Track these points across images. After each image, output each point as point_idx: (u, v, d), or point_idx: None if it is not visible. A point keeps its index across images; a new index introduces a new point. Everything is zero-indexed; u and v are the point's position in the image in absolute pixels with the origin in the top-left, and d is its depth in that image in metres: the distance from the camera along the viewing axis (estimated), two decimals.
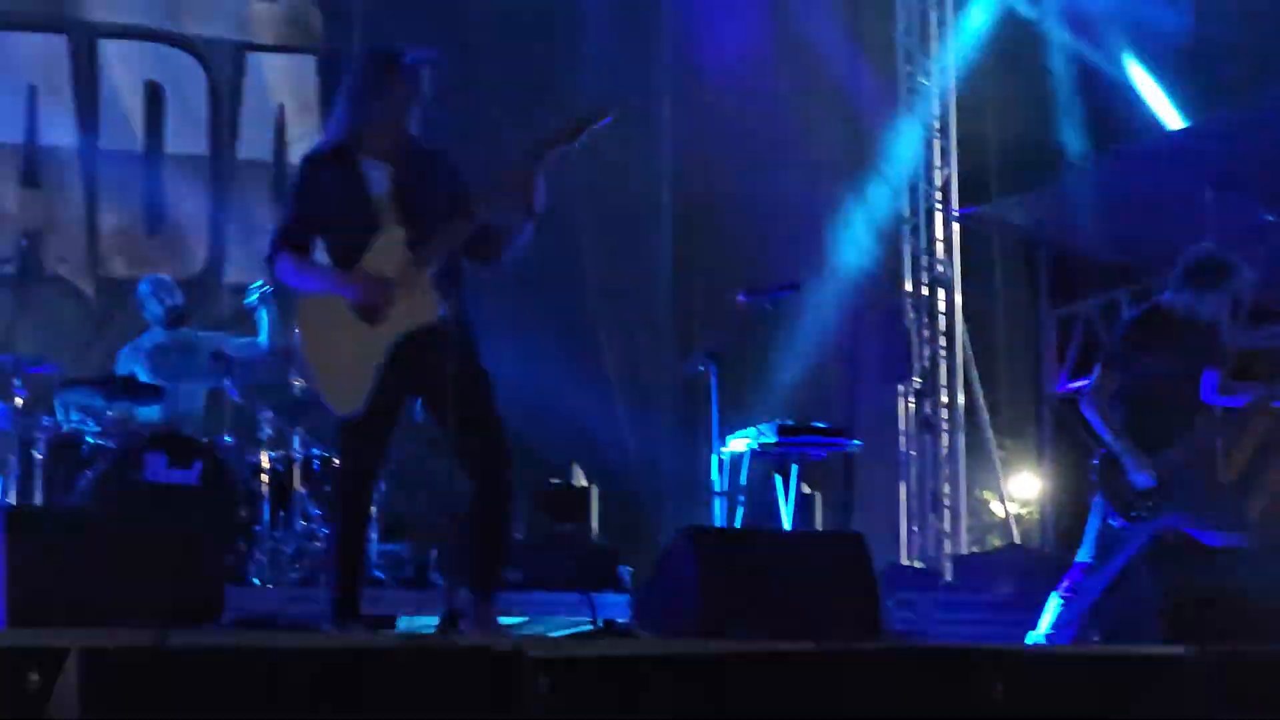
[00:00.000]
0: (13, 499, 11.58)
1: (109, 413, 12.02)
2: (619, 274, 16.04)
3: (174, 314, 12.90)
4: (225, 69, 16.54)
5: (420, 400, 8.08)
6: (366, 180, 8.18)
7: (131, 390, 12.12)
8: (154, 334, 12.94)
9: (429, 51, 8.34)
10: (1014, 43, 17.25)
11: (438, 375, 7.82)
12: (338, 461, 11.41)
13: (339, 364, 7.86)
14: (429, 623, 9.52)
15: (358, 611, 8.07)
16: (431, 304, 7.95)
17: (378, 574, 12.02)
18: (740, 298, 11.60)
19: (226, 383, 12.61)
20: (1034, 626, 10.24)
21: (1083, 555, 10.06)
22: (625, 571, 12.93)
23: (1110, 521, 9.74)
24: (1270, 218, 10.07)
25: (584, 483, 14.27)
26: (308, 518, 11.84)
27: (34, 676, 5.31)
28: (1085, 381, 12.29)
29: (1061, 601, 9.94)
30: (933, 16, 17.97)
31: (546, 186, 8.17)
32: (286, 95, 16.67)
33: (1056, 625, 9.89)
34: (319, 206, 8.28)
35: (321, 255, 8.44)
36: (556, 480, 13.82)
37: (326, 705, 5.29)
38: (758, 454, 13.44)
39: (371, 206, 8.17)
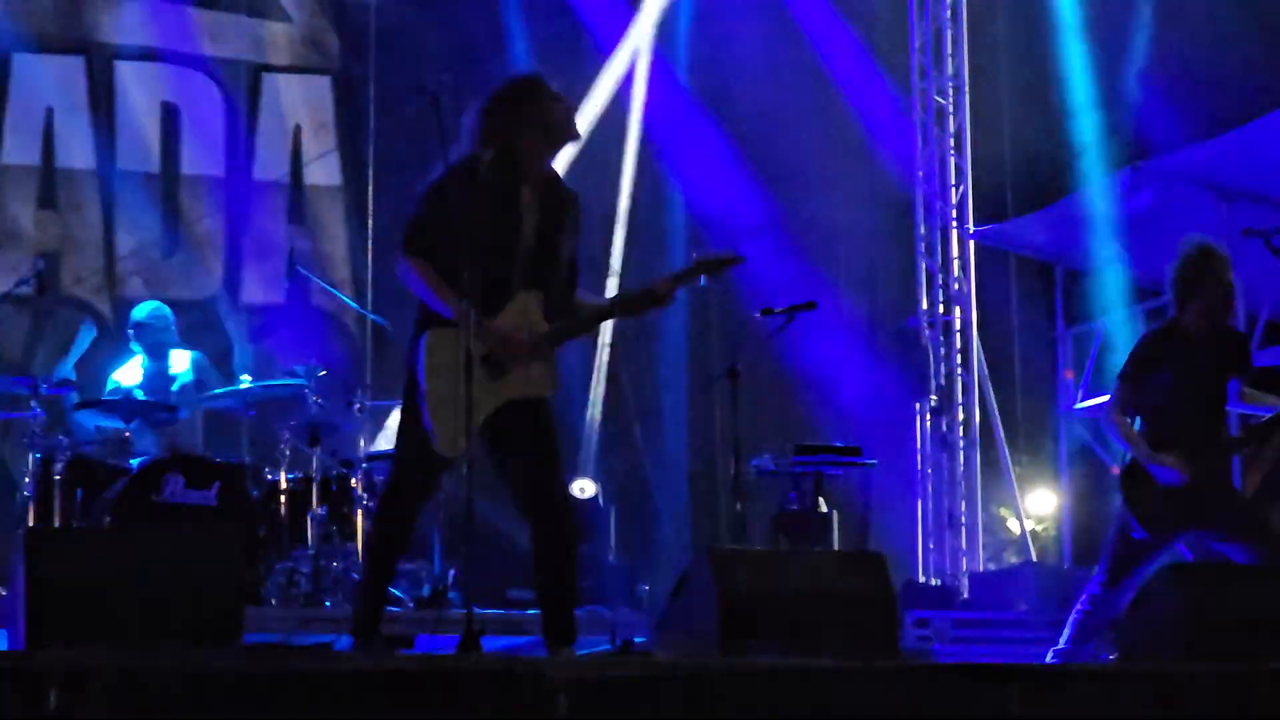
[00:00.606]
0: (31, 519, 11.57)
1: (126, 434, 11.99)
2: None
3: (159, 350, 12.89)
4: (241, 90, 16.48)
5: (502, 460, 8.00)
6: (522, 218, 8.00)
7: (148, 411, 12.10)
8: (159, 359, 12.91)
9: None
10: (1031, 58, 17.21)
11: (527, 447, 7.87)
12: (354, 482, 11.49)
13: (453, 400, 7.73)
14: (449, 642, 9.53)
15: (378, 631, 8.05)
16: (549, 379, 7.98)
17: (395, 593, 11.98)
18: (757, 315, 11.56)
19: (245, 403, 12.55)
20: (1052, 644, 10.18)
21: (1101, 570, 9.99)
22: (643, 590, 12.94)
23: (1132, 535, 9.67)
24: (1257, 230, 10.05)
25: (590, 494, 14.25)
26: (327, 538, 11.80)
27: (54, 696, 5.34)
28: (1101, 398, 12.31)
29: (1080, 617, 9.89)
30: (947, 34, 17.85)
31: None
32: (303, 116, 16.63)
33: (1074, 642, 9.84)
34: (461, 221, 7.96)
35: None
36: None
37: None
38: (775, 469, 13.49)
39: (521, 249, 8.04)
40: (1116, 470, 9.97)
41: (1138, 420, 9.83)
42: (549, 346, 7.93)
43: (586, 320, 8.08)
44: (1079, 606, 9.92)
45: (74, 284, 15.81)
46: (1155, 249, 14.95)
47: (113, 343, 15.22)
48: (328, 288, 14.13)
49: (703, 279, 8.22)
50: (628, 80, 17.25)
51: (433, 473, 8.16)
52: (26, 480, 11.88)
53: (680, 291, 15.24)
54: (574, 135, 8.23)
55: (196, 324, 15.14)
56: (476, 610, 8.23)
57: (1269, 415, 9.96)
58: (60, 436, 12.11)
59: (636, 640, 10.04)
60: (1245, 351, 10.06)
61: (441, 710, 5.52)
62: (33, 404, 12.06)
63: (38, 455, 11.78)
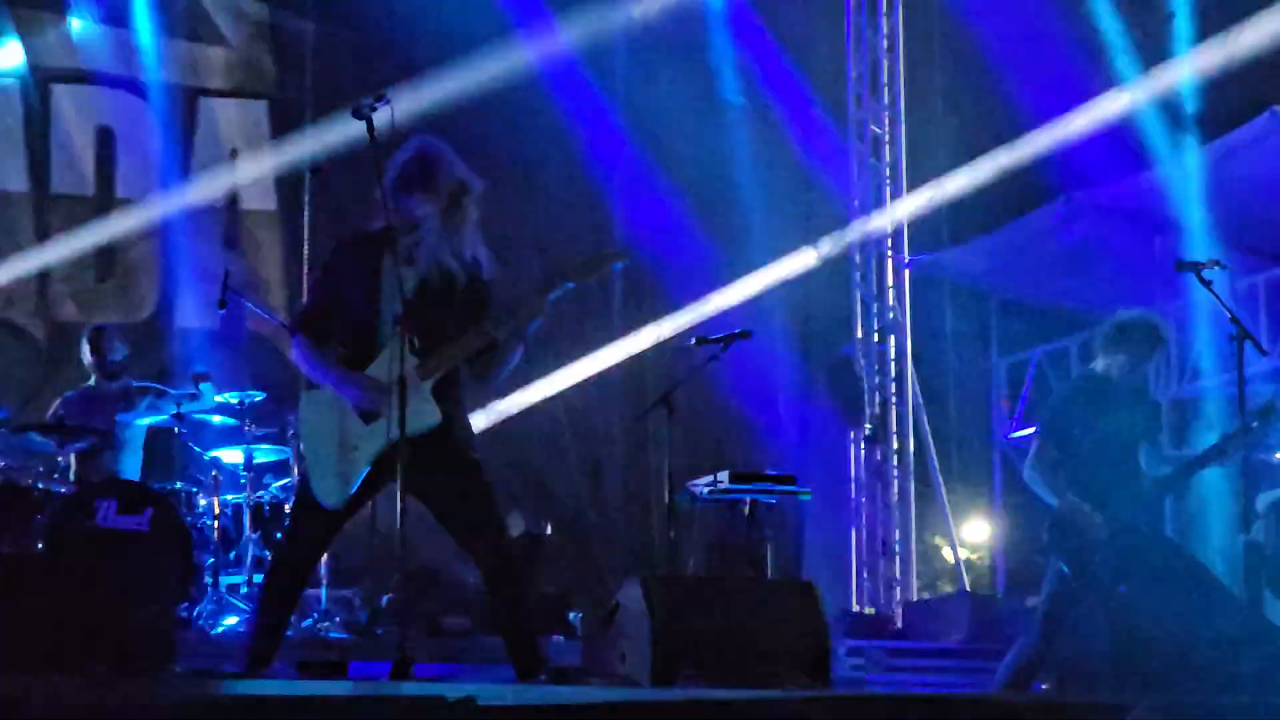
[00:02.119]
0: None
1: (59, 458, 11.98)
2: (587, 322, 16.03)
3: (113, 366, 12.90)
4: (177, 114, 16.46)
5: (425, 497, 8.06)
6: (389, 280, 8.09)
7: (81, 436, 12.10)
8: (93, 383, 12.91)
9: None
10: (962, 90, 17.32)
11: (433, 478, 7.91)
12: (287, 508, 11.50)
13: (331, 456, 7.85)
14: (383, 668, 9.57)
15: (269, 661, 8.08)
16: (430, 410, 7.93)
17: (328, 621, 12.02)
18: (691, 342, 11.60)
19: (178, 428, 12.54)
20: (986, 672, 10.29)
21: (1039, 610, 10.09)
22: (575, 617, 12.95)
23: (1066, 574, 9.79)
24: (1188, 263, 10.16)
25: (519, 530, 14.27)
26: (259, 562, 11.81)
27: None
28: (1033, 429, 12.38)
29: (1015, 652, 9.99)
30: (884, 64, 18.01)
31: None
32: (239, 140, 16.62)
33: (1008, 672, 9.94)
34: (342, 295, 8.34)
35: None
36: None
37: None
38: (709, 495, 13.54)
39: (383, 309, 8.11)
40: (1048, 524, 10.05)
41: (1062, 468, 9.94)
42: (421, 379, 7.91)
43: (461, 346, 8.09)
44: (1017, 648, 10.04)
45: (6, 306, 15.68)
46: (1086, 280, 15.10)
47: (46, 365, 15.14)
48: (262, 312, 14.08)
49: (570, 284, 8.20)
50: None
51: (326, 525, 8.22)
52: None
53: (613, 321, 15.36)
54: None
55: (128, 348, 15.09)
56: (409, 638, 8.24)
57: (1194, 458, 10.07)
58: None
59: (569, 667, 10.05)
60: (1158, 411, 10.23)
61: None
62: None
63: None
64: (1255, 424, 9.62)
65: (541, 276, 8.42)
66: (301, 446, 8.11)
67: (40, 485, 11.79)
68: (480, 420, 13.25)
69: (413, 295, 8.00)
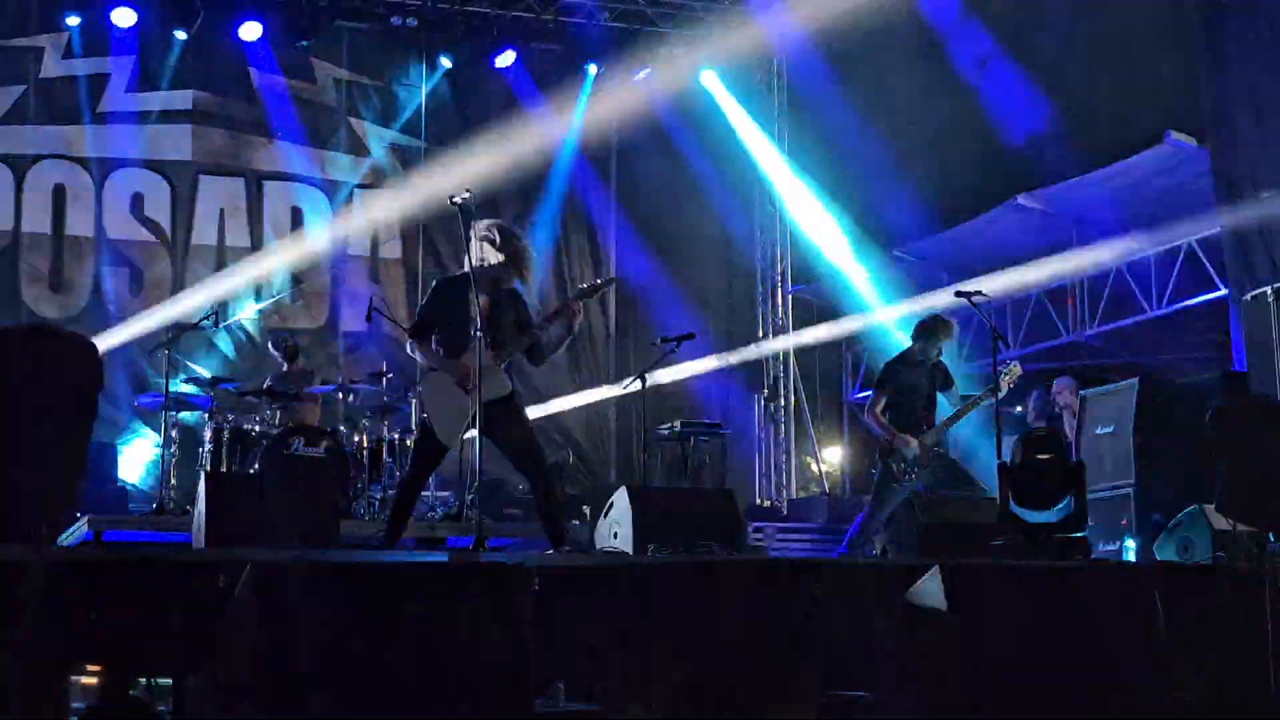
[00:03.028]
0: (209, 466, 11.62)
1: (268, 412, 12.07)
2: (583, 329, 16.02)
3: (293, 352, 13.07)
4: (341, 199, 16.56)
5: (497, 439, 8.20)
6: (472, 304, 8.17)
7: (281, 398, 12.21)
8: (285, 367, 13.03)
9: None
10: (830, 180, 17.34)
11: (501, 424, 8.02)
12: (409, 443, 11.58)
13: (442, 410, 8.00)
14: (466, 541, 9.61)
15: (398, 537, 8.22)
16: (503, 383, 8.06)
17: (433, 512, 12.12)
18: (657, 342, 11.69)
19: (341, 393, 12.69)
20: (839, 546, 10.37)
21: (870, 501, 10.24)
22: (586, 510, 13.02)
23: (891, 483, 9.92)
24: (963, 292, 10.48)
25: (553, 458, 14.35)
26: (392, 478, 11.88)
27: (222, 578, 5.35)
28: (867, 394, 12.43)
29: (854, 532, 10.08)
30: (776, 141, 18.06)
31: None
32: (378, 214, 16.73)
33: (851, 546, 10.02)
34: (442, 312, 8.34)
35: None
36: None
37: (402, 597, 5.36)
38: (668, 437, 13.68)
39: (472, 321, 8.20)
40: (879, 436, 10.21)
41: (888, 411, 10.07)
42: (496, 363, 8.01)
43: (519, 342, 8.34)
44: (854, 526, 10.15)
45: (237, 317, 15.73)
46: (898, 300, 15.14)
47: (261, 354, 15.21)
48: (393, 320, 14.13)
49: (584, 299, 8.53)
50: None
51: (437, 453, 8.37)
52: (207, 443, 11.86)
53: (612, 318, 15.30)
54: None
55: (312, 344, 15.18)
56: (483, 523, 8.36)
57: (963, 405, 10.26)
58: (227, 415, 12.15)
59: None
60: (947, 372, 10.38)
61: (461, 586, 5.56)
62: (209, 396, 12.12)
63: (213, 427, 11.80)
64: (990, 387, 9.76)
65: (565, 296, 8.52)
66: (424, 405, 8.22)
67: (257, 430, 11.84)
68: (536, 411, 13.36)
69: (488, 311, 8.00)
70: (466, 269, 8.35)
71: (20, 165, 15.64)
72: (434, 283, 8.67)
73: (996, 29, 14.62)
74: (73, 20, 15.60)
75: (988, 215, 14.80)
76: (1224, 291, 12.66)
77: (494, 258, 8.39)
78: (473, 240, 8.47)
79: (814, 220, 17.77)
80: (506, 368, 8.41)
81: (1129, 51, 13.20)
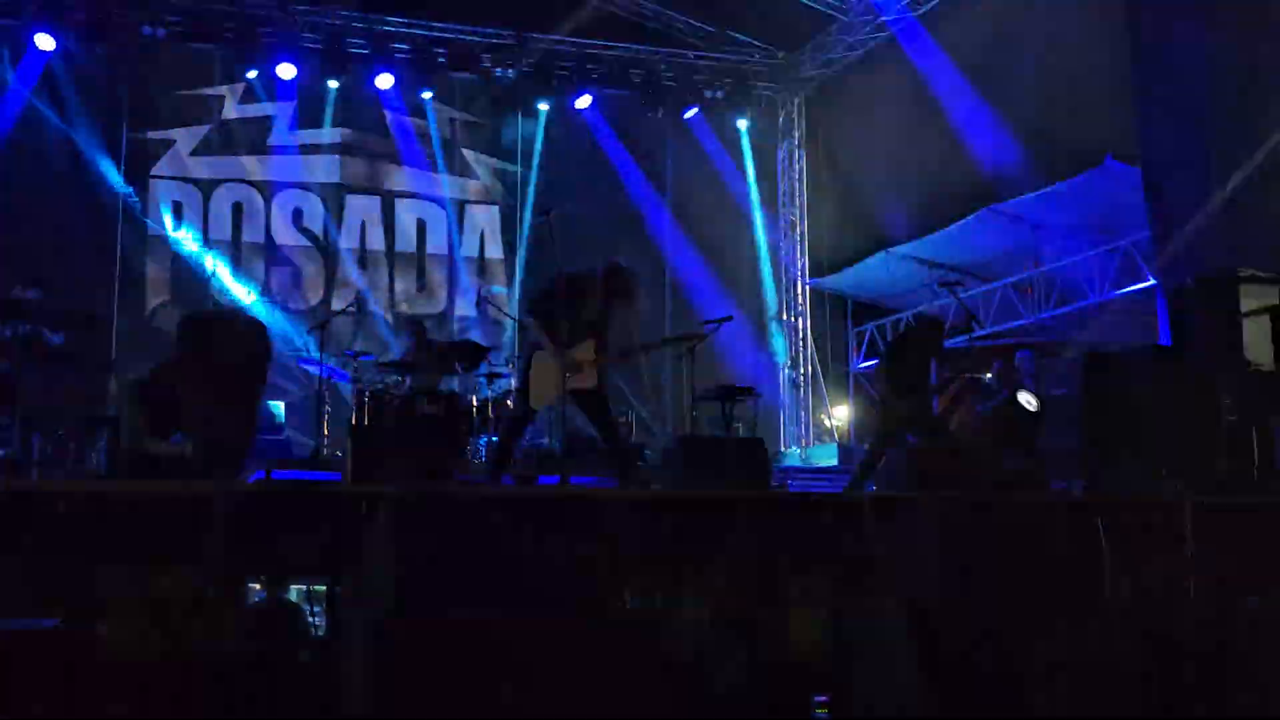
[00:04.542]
0: (354, 420, 11.67)
1: (400, 378, 12.12)
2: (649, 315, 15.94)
3: (422, 334, 13.09)
4: (455, 213, 16.64)
5: (583, 411, 8.19)
6: (583, 313, 8.09)
7: (410, 368, 12.24)
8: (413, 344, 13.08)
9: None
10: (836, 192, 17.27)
11: (586, 398, 7.95)
12: (509, 403, 11.59)
13: (542, 385, 7.94)
14: (553, 479, 9.60)
15: (500, 475, 8.19)
16: (591, 377, 8.00)
17: (528, 458, 12.13)
18: (701, 323, 11.63)
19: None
20: (843, 481, 10.27)
21: (867, 450, 10.08)
22: (647, 454, 12.98)
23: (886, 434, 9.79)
24: (945, 283, 10.35)
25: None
26: (495, 430, 11.89)
27: (364, 506, 5.39)
28: (871, 363, 12.31)
29: (859, 470, 9.96)
30: (797, 185, 17.95)
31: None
32: (485, 227, 16.73)
33: (854, 484, 9.92)
34: (556, 303, 8.10)
35: None
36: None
37: (502, 521, 5.39)
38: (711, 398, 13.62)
39: (580, 323, 8.14)
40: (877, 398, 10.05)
41: (886, 379, 9.90)
42: (595, 362, 7.97)
43: (618, 358, 8.31)
44: (856, 468, 9.97)
45: (373, 305, 15.84)
46: (892, 290, 15.01)
47: (394, 334, 15.37)
48: (497, 307, 14.22)
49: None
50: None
51: (529, 414, 8.28)
52: (352, 403, 11.93)
53: (668, 306, 15.23)
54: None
55: (433, 326, 15.23)
56: (567, 464, 8.37)
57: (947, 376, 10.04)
58: (367, 381, 12.22)
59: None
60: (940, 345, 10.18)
61: (549, 515, 5.59)
62: (353, 366, 12.18)
63: (356, 390, 11.86)
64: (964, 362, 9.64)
65: (653, 339, 8.55)
66: (526, 375, 8.13)
67: (393, 393, 11.86)
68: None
69: (599, 317, 8.00)
70: (577, 270, 8.34)
71: (207, 188, 15.82)
72: (555, 273, 8.59)
73: (970, 72, 14.58)
74: (248, 74, 15.68)
75: (963, 222, 14.70)
76: (1152, 282, 12.62)
77: (609, 293, 8.13)
78: (593, 277, 8.41)
79: (826, 226, 17.81)
80: (601, 369, 8.35)
81: (1077, 86, 13.10)
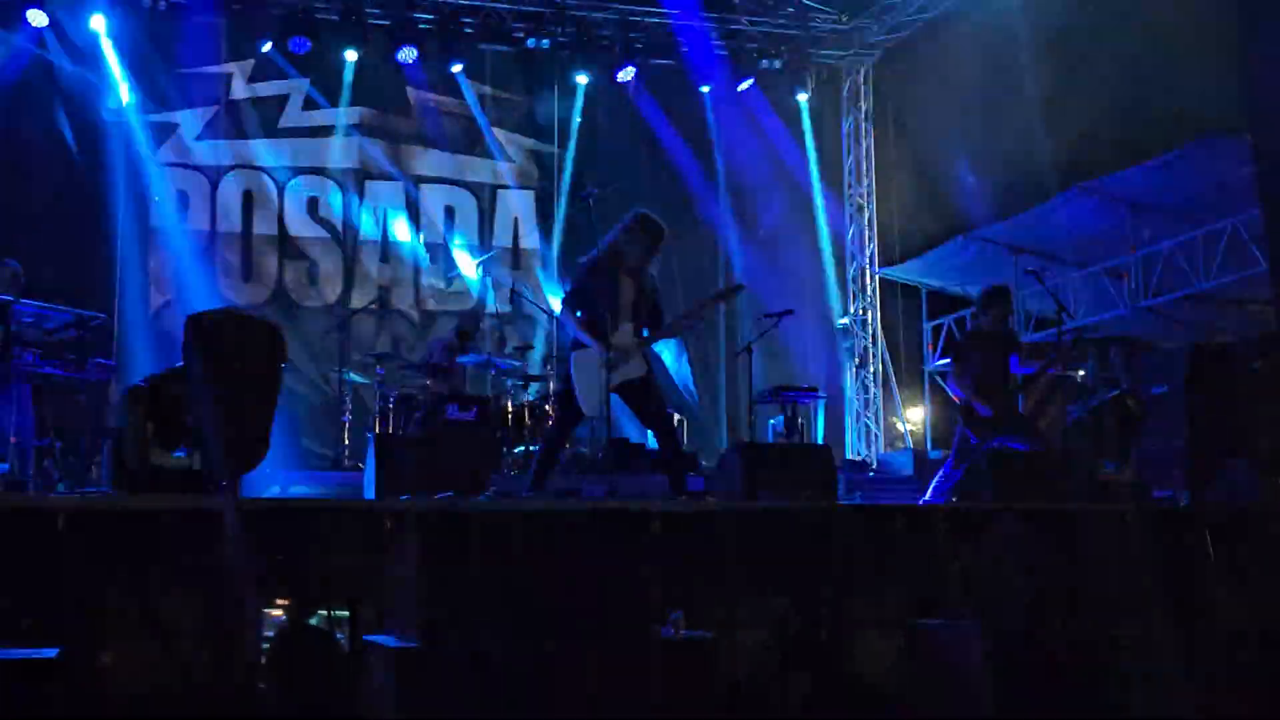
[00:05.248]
0: (377, 428, 11.79)
1: (426, 382, 12.21)
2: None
3: (463, 334, 13.15)
4: (486, 198, 16.69)
5: (634, 408, 8.25)
6: (620, 289, 8.20)
7: (437, 372, 12.34)
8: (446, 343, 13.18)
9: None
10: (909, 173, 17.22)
11: (636, 395, 8.10)
12: (548, 408, 11.66)
13: (589, 385, 8.00)
14: (600, 490, 9.68)
15: (543, 487, 8.25)
16: (639, 365, 8.10)
17: (572, 466, 12.18)
18: (761, 316, 11.65)
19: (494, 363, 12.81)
20: (922, 495, 10.25)
21: (950, 455, 10.06)
22: (702, 464, 13.01)
23: (968, 438, 9.75)
24: (1030, 270, 10.29)
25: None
26: (533, 438, 11.96)
27: (389, 522, 5.43)
28: (947, 360, 12.26)
29: (936, 481, 9.94)
30: (863, 163, 17.95)
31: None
32: (520, 211, 16.78)
33: (934, 494, 9.90)
34: (590, 293, 8.21)
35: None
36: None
37: (542, 538, 5.41)
38: (771, 399, 13.63)
39: (620, 306, 8.24)
40: (957, 401, 10.01)
41: (967, 379, 9.89)
42: (638, 347, 8.01)
43: (659, 336, 8.33)
44: (937, 478, 9.96)
45: (397, 303, 15.93)
46: (972, 279, 14.92)
47: (419, 333, 15.46)
48: (534, 302, 14.28)
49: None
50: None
51: (577, 418, 8.32)
52: (375, 408, 12.06)
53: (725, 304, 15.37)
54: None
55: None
56: (614, 475, 8.42)
57: (1036, 369, 10.00)
58: (391, 385, 12.33)
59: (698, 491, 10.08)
60: (1018, 339, 10.15)
61: (593, 532, 5.61)
62: (378, 369, 12.27)
63: (380, 394, 11.99)
64: (1054, 354, 9.64)
65: (696, 301, 8.55)
66: (571, 379, 8.19)
67: (419, 396, 11.98)
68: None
69: (635, 298, 8.04)
70: (605, 252, 8.40)
71: (214, 175, 15.82)
72: (580, 261, 8.70)
73: (1054, 35, 14.46)
74: (256, 49, 15.72)
75: (1049, 202, 14.73)
76: (1263, 267, 12.46)
77: (638, 243, 8.46)
78: (618, 230, 8.46)
79: (897, 209, 17.76)
80: (647, 352, 8.45)
81: (1174, 48, 12.97)
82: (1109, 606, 5.93)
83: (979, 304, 10.41)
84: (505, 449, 12.07)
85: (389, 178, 16.52)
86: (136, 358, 13.79)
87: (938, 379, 16.94)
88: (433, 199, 16.72)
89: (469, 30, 16.34)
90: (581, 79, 16.85)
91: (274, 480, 10.57)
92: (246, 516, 5.39)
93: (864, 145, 18.21)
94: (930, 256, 16.92)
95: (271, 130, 16.12)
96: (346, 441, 12.59)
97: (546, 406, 12.13)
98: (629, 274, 8.20)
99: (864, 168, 18.24)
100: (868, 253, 18.22)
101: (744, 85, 17.14)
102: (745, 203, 17.40)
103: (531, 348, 13.06)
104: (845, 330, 17.96)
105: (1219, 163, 12.86)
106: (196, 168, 15.82)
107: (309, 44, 15.64)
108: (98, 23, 14.85)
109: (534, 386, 12.88)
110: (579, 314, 8.32)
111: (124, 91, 15.00)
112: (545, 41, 16.45)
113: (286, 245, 16.07)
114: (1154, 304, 14.60)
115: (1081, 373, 13.50)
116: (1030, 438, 9.80)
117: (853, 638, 6.02)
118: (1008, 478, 8.69)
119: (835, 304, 18.05)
